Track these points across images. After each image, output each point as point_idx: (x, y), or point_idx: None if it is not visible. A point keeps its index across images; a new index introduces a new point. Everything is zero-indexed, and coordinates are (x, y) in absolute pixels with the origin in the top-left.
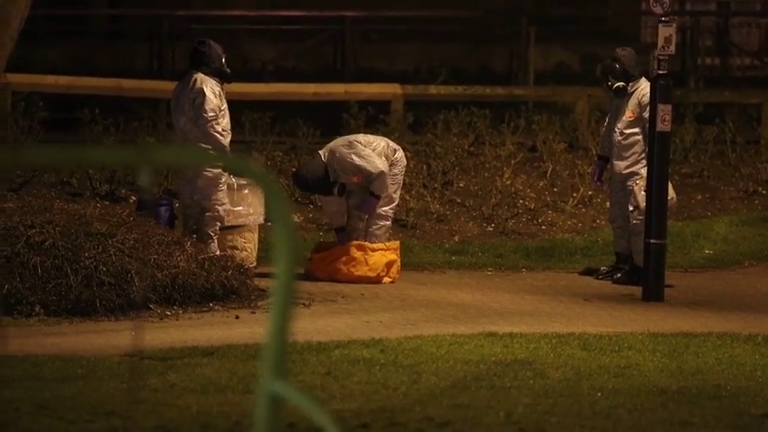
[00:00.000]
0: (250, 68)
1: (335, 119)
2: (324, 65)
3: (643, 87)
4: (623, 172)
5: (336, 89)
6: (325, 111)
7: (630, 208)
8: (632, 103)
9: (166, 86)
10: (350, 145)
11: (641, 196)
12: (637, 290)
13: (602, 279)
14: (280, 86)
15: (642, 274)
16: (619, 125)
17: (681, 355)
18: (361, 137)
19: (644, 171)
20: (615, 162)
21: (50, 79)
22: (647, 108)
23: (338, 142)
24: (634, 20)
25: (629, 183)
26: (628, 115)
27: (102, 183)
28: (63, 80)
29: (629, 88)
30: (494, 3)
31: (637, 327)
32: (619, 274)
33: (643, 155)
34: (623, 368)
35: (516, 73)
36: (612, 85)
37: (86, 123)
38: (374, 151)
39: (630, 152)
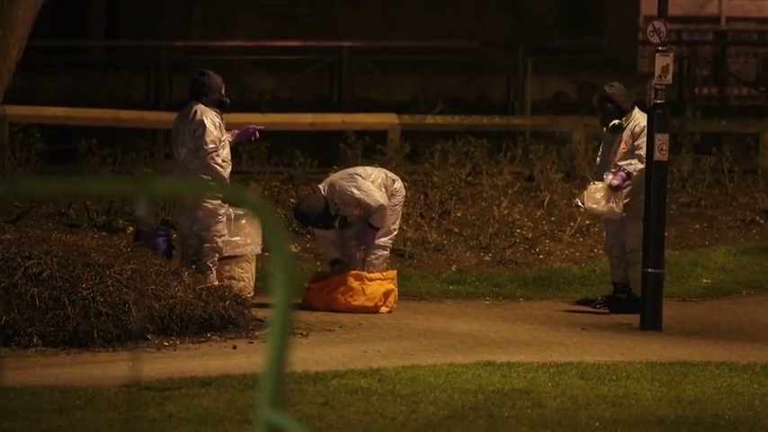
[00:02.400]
0: (247, 99)
1: (332, 149)
2: (321, 95)
3: (636, 118)
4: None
5: (333, 119)
6: (323, 141)
7: (630, 241)
8: (626, 134)
9: (165, 117)
10: (350, 178)
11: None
12: (635, 319)
13: (599, 308)
14: (277, 116)
15: (640, 303)
16: (614, 158)
17: (679, 385)
18: (360, 169)
19: (641, 203)
20: None
21: (48, 110)
22: (639, 136)
23: (338, 175)
24: (631, 49)
25: (633, 219)
26: (621, 147)
27: (100, 214)
28: (60, 111)
29: (624, 123)
30: (491, 33)
31: (635, 356)
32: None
33: (640, 185)
34: (621, 397)
35: (513, 103)
36: (608, 123)
37: (84, 154)
38: (373, 183)
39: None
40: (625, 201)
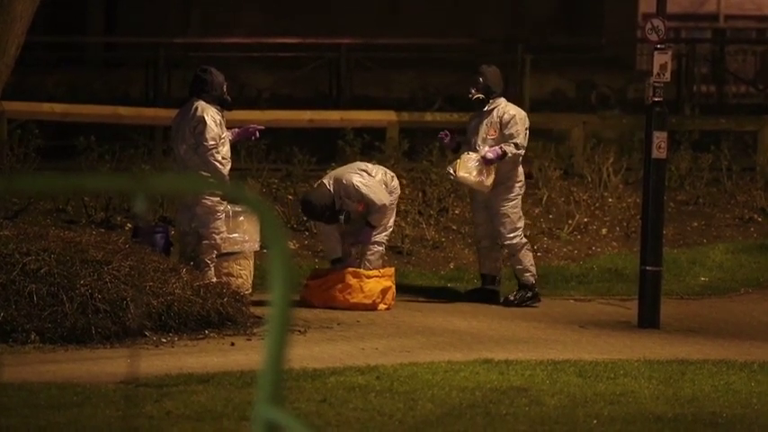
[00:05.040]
0: (246, 96)
1: (331, 146)
2: (319, 92)
3: (504, 105)
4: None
5: (332, 116)
6: (321, 138)
7: (503, 230)
8: (493, 121)
9: (164, 114)
10: (359, 173)
11: (513, 217)
12: (632, 317)
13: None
14: (275, 113)
15: (535, 290)
16: (480, 143)
17: (677, 383)
18: (363, 165)
19: (511, 193)
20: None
21: (46, 107)
22: (509, 125)
23: (345, 169)
24: (630, 47)
25: (503, 209)
26: (491, 134)
27: (98, 210)
28: (59, 108)
29: (488, 104)
30: (489, 30)
31: (632, 354)
32: (511, 297)
33: (510, 174)
34: (619, 395)
35: (512, 100)
36: (473, 96)
37: (82, 151)
38: (374, 179)
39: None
40: (489, 182)
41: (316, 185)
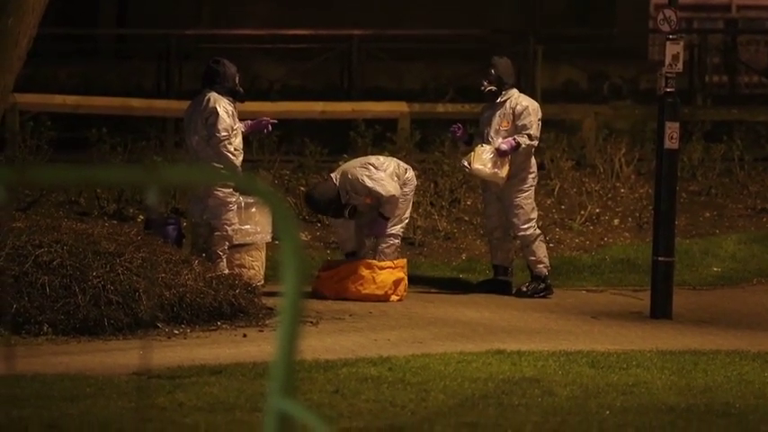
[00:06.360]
0: (258, 87)
1: (343, 137)
2: (331, 83)
3: (516, 97)
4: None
5: (344, 107)
6: (333, 129)
7: (517, 221)
8: (506, 113)
9: (175, 106)
10: (364, 167)
11: (527, 208)
12: (645, 307)
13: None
14: (287, 105)
15: (548, 281)
16: (493, 135)
17: (689, 373)
18: (373, 159)
19: (524, 185)
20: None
21: (58, 99)
22: (522, 116)
23: (352, 164)
24: (642, 37)
25: (516, 200)
26: (503, 125)
27: (110, 202)
28: (71, 100)
29: (501, 96)
30: (501, 21)
31: (645, 344)
32: (524, 288)
33: (523, 165)
34: (631, 386)
35: (524, 91)
36: (485, 88)
37: (94, 143)
38: (385, 173)
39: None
40: (504, 174)
41: (323, 180)
